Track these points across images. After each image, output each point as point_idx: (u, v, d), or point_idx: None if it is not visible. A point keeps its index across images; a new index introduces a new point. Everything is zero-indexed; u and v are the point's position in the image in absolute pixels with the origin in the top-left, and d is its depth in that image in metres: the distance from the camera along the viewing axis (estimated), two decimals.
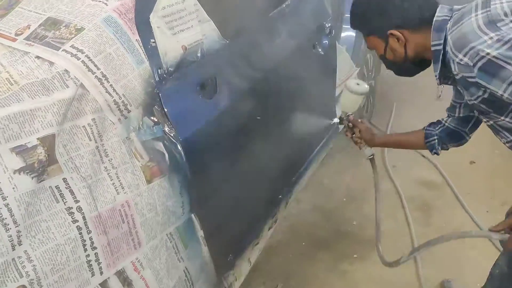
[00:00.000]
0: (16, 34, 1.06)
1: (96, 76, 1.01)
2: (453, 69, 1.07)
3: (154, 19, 1.22)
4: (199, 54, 1.37)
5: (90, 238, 0.94)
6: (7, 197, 0.82)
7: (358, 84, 1.66)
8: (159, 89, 1.18)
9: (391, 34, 1.21)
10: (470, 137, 1.46)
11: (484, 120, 1.20)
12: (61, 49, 1.01)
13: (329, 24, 2.07)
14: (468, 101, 1.15)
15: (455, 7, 1.16)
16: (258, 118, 1.53)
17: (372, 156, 1.71)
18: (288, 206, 1.93)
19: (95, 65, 1.01)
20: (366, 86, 1.64)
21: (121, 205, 1.02)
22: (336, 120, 1.77)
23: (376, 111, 3.60)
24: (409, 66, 1.28)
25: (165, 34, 1.25)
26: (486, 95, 1.04)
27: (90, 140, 0.96)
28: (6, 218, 0.82)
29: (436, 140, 1.45)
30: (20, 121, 0.87)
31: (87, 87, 0.99)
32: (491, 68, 0.96)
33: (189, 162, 1.19)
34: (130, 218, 1.04)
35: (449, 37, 1.08)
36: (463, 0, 1.21)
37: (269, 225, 1.73)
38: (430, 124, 1.50)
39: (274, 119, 1.67)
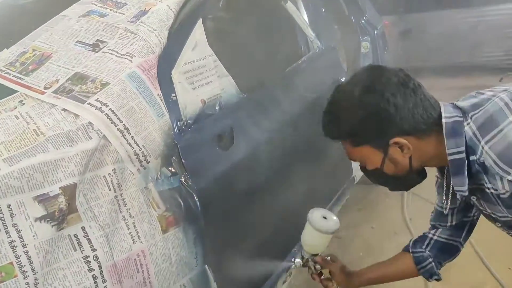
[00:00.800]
0: (45, 88, 1.13)
1: (118, 128, 1.06)
2: (499, 188, 0.90)
3: (176, 75, 1.29)
4: (217, 107, 1.42)
5: (105, 287, 0.95)
6: (27, 244, 0.85)
7: (325, 218, 1.27)
8: (177, 140, 1.22)
9: (395, 143, 0.96)
10: (463, 247, 1.24)
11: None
12: (86, 103, 1.07)
13: (344, 79, 2.13)
14: (497, 216, 1.01)
15: (459, 103, 0.97)
16: (273, 170, 1.55)
17: None
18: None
19: (118, 118, 1.06)
20: (335, 219, 1.29)
21: (136, 254, 1.03)
22: (298, 260, 1.35)
23: None
24: (412, 178, 1.05)
25: (185, 89, 1.31)
26: None
27: (110, 189, 0.99)
28: (25, 266, 0.84)
29: (433, 263, 1.21)
30: (44, 170, 0.91)
31: (109, 139, 1.03)
32: None
33: (204, 212, 1.21)
34: (145, 267, 1.04)
35: (486, 147, 0.88)
36: None
37: (283, 279, 1.69)
38: (414, 243, 1.25)
39: (289, 172, 1.69)
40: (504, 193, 0.90)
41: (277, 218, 1.59)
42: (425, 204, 2.98)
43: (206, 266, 1.22)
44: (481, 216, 1.17)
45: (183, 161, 1.21)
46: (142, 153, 1.09)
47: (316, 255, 1.32)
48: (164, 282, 1.09)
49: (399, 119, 0.94)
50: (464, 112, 0.95)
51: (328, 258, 1.36)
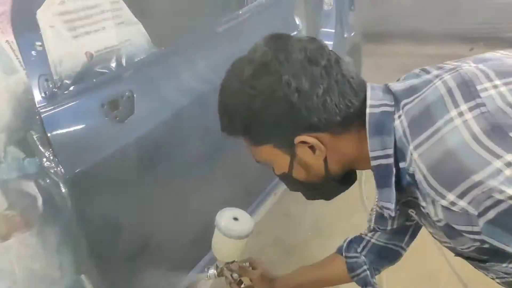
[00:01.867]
0: None
1: None
2: (431, 213, 0.65)
3: (45, 15, 0.93)
4: (113, 64, 1.08)
5: None
6: None
7: (236, 219, 1.04)
8: (42, 107, 0.89)
9: (302, 142, 0.70)
10: (406, 251, 1.06)
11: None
12: None
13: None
14: (440, 241, 0.80)
15: (393, 86, 0.71)
16: (187, 151, 1.24)
17: None
18: None
19: None
20: (249, 220, 1.07)
21: None
22: (212, 271, 1.10)
23: None
24: (333, 185, 0.81)
25: (61, 36, 0.96)
26: (485, 245, 0.63)
27: None
28: None
29: (368, 271, 1.03)
30: None
31: None
32: (508, 217, 0.56)
33: (78, 207, 0.90)
34: None
35: (415, 155, 0.62)
36: None
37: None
38: (349, 245, 1.08)
39: (210, 155, 1.38)
40: (438, 221, 0.66)
41: (190, 216, 1.29)
42: None
43: (82, 275, 0.92)
44: None
45: (49, 136, 0.88)
46: None
47: (232, 262, 1.10)
48: None
49: (305, 110, 0.68)
50: (396, 98, 0.69)
51: (247, 264, 1.12)
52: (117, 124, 1.03)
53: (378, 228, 0.97)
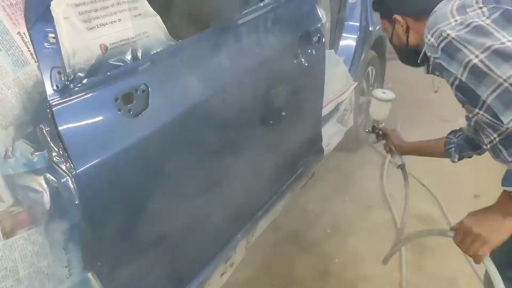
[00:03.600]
0: None
1: None
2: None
3: (60, 7, 0.91)
4: (128, 57, 1.05)
5: None
6: None
7: (384, 92, 1.70)
8: (53, 101, 0.87)
9: (395, 19, 1.21)
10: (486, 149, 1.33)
11: (467, 121, 1.15)
12: None
13: (318, 31, 1.74)
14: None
15: None
16: (205, 145, 1.21)
17: (402, 166, 1.72)
18: (251, 244, 1.61)
19: None
20: (393, 94, 1.69)
21: None
22: (369, 128, 1.74)
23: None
24: (411, 54, 1.22)
25: (76, 28, 0.94)
26: (457, 81, 0.96)
27: None
28: None
29: (453, 148, 1.40)
30: None
31: None
32: (450, 49, 0.94)
33: (86, 203, 0.88)
34: None
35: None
36: None
37: (221, 271, 1.40)
38: (451, 132, 1.45)
39: (229, 144, 1.35)
40: (430, 57, 1.01)
41: (202, 213, 1.27)
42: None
43: (90, 274, 0.91)
44: None
45: (60, 130, 0.87)
46: None
47: (380, 124, 1.71)
48: None
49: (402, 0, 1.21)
50: None
51: (390, 128, 1.71)
52: (131, 118, 1.01)
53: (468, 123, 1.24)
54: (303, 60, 1.64)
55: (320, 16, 1.78)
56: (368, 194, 2.61)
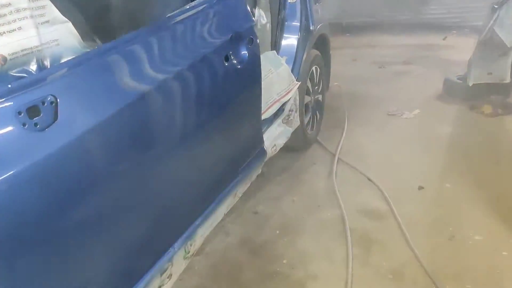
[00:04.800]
0: None
1: None
2: None
3: None
4: (33, 67, 0.99)
5: None
6: None
7: None
8: None
9: None
10: None
11: None
12: None
13: (250, 32, 1.72)
14: None
15: None
16: (134, 152, 1.17)
17: None
18: (191, 254, 1.57)
19: None
20: None
21: None
22: None
23: (325, 128, 3.32)
24: None
25: None
26: None
27: None
28: None
29: None
30: None
31: None
32: None
33: None
34: None
35: None
36: None
37: (157, 284, 1.36)
38: None
39: (161, 153, 1.31)
40: None
41: (141, 217, 1.22)
42: (355, 173, 2.76)
43: None
44: None
45: None
46: None
47: None
48: None
49: None
50: None
51: None
52: (37, 133, 0.95)
53: None
54: (235, 62, 1.62)
55: (251, 16, 1.77)
56: (317, 193, 2.63)
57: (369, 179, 2.71)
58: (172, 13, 1.43)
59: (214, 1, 1.62)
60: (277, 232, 2.31)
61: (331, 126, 3.43)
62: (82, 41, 1.15)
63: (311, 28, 2.76)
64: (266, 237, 2.27)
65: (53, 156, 0.96)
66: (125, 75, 1.20)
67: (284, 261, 2.10)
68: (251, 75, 1.75)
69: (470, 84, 3.65)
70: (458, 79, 3.86)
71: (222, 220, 1.86)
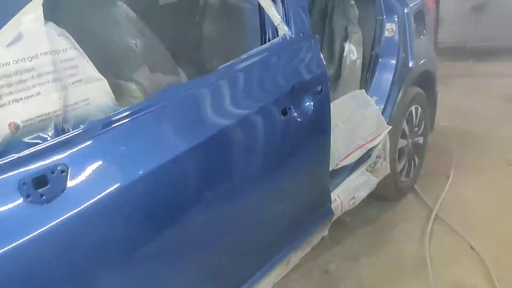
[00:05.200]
0: None
1: None
2: None
3: None
4: (50, 133, 0.95)
5: None
6: None
7: None
8: None
9: None
10: None
11: None
12: None
13: (319, 81, 1.53)
14: None
15: None
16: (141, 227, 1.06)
17: None
18: None
19: None
20: None
21: None
22: None
23: (425, 176, 2.88)
24: None
25: None
26: None
27: None
28: None
29: None
30: None
31: None
32: None
33: None
34: None
35: None
36: None
37: None
38: None
39: (195, 226, 1.19)
40: None
41: None
42: (454, 237, 2.30)
43: None
44: None
45: None
46: None
47: None
48: None
49: None
50: None
51: None
52: (41, 205, 0.90)
53: None
54: (295, 115, 1.44)
55: (323, 62, 1.57)
56: (403, 257, 2.25)
57: (472, 247, 2.24)
58: (225, 64, 1.32)
59: (281, 47, 1.47)
60: None
61: (433, 172, 2.98)
62: (115, 99, 1.09)
63: (410, 65, 2.43)
64: None
65: (56, 229, 0.89)
66: (159, 139, 1.11)
67: None
68: (316, 127, 1.54)
69: None
70: None
71: (285, 276, 1.68)
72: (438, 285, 2.01)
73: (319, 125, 1.55)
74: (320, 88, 1.52)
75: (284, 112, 1.40)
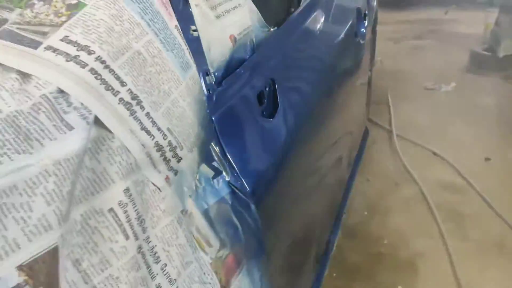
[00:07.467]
0: None
1: (121, 99, 0.50)
2: None
3: None
4: (248, 49, 0.89)
5: None
6: None
7: None
8: (210, 110, 0.69)
9: None
10: None
11: None
12: (42, 46, 0.49)
13: (365, 8, 1.63)
14: None
15: None
16: (317, 141, 1.08)
17: None
18: None
19: (118, 77, 0.51)
20: None
21: None
22: None
23: (373, 105, 3.26)
24: None
25: (207, 18, 0.76)
26: None
27: (128, 237, 0.46)
28: None
29: None
30: None
31: (107, 124, 0.48)
32: None
33: (265, 229, 0.72)
34: None
35: None
36: None
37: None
38: None
39: (326, 133, 1.23)
40: None
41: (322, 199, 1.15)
42: (418, 149, 2.73)
43: None
44: None
45: (224, 146, 0.69)
46: (169, 143, 0.56)
47: None
48: None
49: None
50: None
51: None
52: (269, 121, 0.85)
53: None
54: (358, 38, 1.53)
55: None
56: (388, 171, 2.59)
57: (435, 153, 2.68)
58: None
59: None
60: (365, 213, 2.27)
61: (373, 102, 3.38)
62: (263, 20, 1.04)
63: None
64: (356, 220, 2.22)
65: (284, 145, 0.86)
66: (303, 56, 1.10)
67: (385, 242, 2.06)
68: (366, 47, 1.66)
69: (501, 56, 3.67)
70: (484, 50, 3.87)
71: None
72: (425, 186, 2.38)
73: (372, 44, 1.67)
74: (365, 13, 1.63)
75: (355, 35, 1.48)
